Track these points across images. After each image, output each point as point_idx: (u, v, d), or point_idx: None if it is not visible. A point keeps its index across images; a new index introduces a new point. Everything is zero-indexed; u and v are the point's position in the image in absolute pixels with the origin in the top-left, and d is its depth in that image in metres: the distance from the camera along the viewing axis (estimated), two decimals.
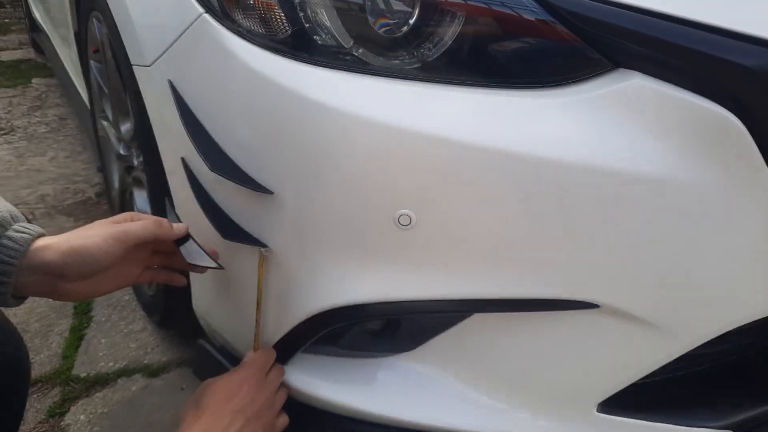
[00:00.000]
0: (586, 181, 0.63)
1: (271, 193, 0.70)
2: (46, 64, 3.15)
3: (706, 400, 0.79)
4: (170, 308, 1.06)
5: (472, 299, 0.70)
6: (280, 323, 0.77)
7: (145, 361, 1.16)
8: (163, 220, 0.75)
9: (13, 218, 0.67)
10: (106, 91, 1.28)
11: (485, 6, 0.65)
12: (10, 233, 0.65)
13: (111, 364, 1.16)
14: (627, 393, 0.75)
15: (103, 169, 1.48)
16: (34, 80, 2.97)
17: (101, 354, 1.19)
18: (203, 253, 0.77)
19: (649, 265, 0.66)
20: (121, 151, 1.25)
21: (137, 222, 0.72)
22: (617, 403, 0.75)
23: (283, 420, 0.77)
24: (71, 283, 0.67)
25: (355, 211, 0.68)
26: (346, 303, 0.72)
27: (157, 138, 0.86)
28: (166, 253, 0.79)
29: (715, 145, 0.62)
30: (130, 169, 1.23)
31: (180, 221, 0.83)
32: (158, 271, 0.80)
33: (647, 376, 0.75)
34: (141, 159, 1.08)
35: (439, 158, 0.64)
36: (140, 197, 1.16)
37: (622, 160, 0.62)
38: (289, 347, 0.79)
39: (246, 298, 0.79)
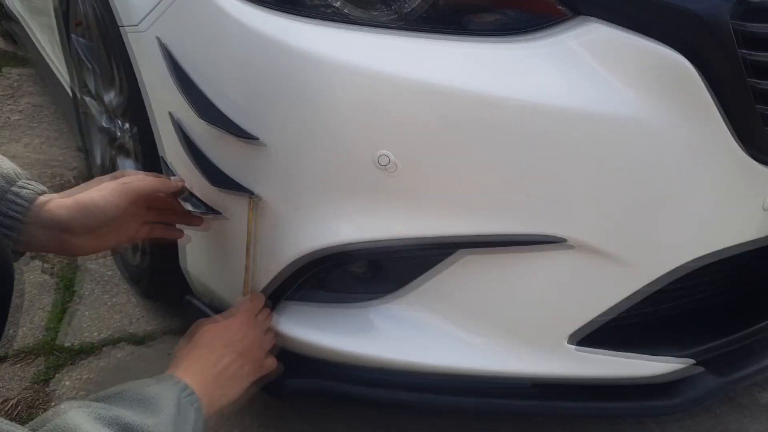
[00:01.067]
0: (550, 123, 0.72)
1: (257, 139, 0.78)
2: (17, 54, 3.20)
3: (671, 335, 0.89)
4: (156, 272, 1.13)
5: (449, 237, 0.79)
6: (268, 268, 0.85)
7: (131, 331, 1.23)
8: (162, 176, 0.83)
9: (17, 175, 0.74)
10: (89, 64, 1.34)
11: None
12: (15, 189, 0.72)
13: (96, 334, 1.23)
14: (597, 330, 0.84)
15: (84, 148, 1.55)
16: (4, 69, 3.02)
17: (85, 325, 1.25)
18: (201, 202, 0.85)
19: (612, 201, 0.76)
20: (104, 124, 1.32)
21: (141, 176, 0.81)
22: (588, 338, 0.84)
23: (271, 361, 0.85)
24: (77, 236, 0.75)
25: (337, 153, 0.76)
26: (330, 244, 0.80)
27: (145, 97, 0.93)
28: (161, 209, 0.87)
29: (671, 87, 0.72)
30: (113, 141, 1.30)
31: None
32: (155, 225, 0.88)
33: (617, 315, 0.84)
34: (127, 126, 1.15)
35: (415, 102, 0.73)
36: (125, 165, 1.23)
37: (585, 102, 0.72)
38: (277, 292, 0.87)
39: (235, 247, 0.87)
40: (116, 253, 1.39)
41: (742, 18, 0.72)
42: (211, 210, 0.86)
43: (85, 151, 1.54)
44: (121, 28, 0.94)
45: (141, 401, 0.62)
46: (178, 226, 0.92)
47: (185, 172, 0.89)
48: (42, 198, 0.73)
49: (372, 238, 0.80)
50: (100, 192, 0.76)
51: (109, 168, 1.35)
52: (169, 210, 0.88)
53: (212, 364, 0.75)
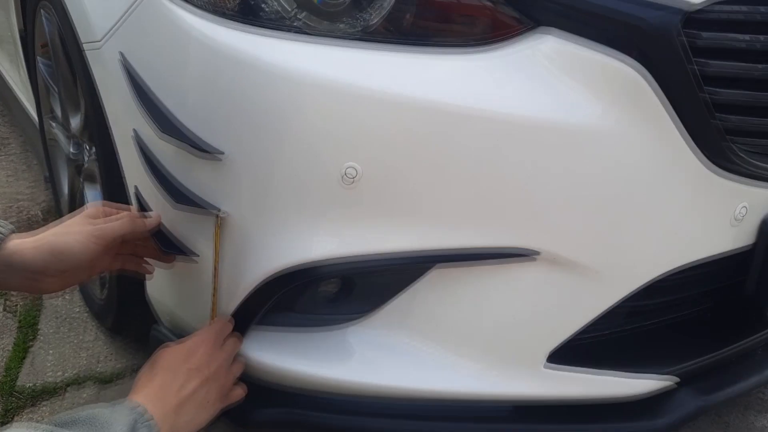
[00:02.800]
0: (514, 133, 0.78)
1: (222, 153, 0.82)
2: None
3: (652, 352, 0.94)
4: (122, 304, 1.16)
5: (421, 252, 0.83)
6: (236, 290, 0.89)
7: (98, 370, 1.26)
8: (137, 215, 0.89)
9: None
10: (55, 88, 1.40)
11: None
12: None
13: (60, 374, 1.25)
14: (576, 347, 0.88)
15: (51, 178, 1.60)
16: None
17: (49, 365, 1.28)
18: (177, 242, 0.89)
19: (581, 213, 0.81)
20: (72, 150, 1.38)
21: (113, 218, 0.86)
22: (566, 356, 0.88)
23: (240, 389, 0.87)
24: (48, 278, 0.80)
25: (303, 168, 0.81)
26: (300, 262, 0.84)
27: (107, 116, 0.98)
28: (133, 241, 0.91)
29: (629, 98, 0.79)
30: (80, 169, 1.35)
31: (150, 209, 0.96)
32: (127, 258, 0.93)
33: (596, 332, 0.88)
34: (93, 150, 1.20)
35: (381, 114, 0.78)
36: (91, 194, 1.27)
37: (548, 112, 0.78)
38: (246, 316, 0.90)
39: (201, 270, 0.90)
40: (83, 288, 1.42)
41: (691, 29, 0.79)
42: (183, 251, 0.90)
43: (52, 182, 1.59)
44: (82, 46, 1.00)
45: (92, 426, 0.64)
46: (149, 260, 0.96)
47: (146, 196, 0.93)
48: (11, 241, 0.79)
49: (343, 254, 0.83)
50: (74, 236, 0.82)
51: (78, 199, 1.39)
52: (141, 244, 0.93)
53: (176, 390, 0.77)
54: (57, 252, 0.80)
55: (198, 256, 0.89)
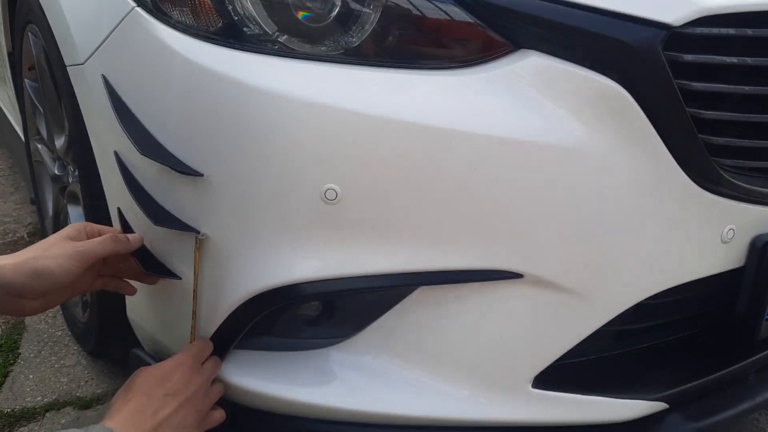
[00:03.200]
0: (496, 153, 0.79)
1: (201, 175, 0.84)
2: None
3: (641, 376, 0.94)
4: (103, 326, 1.17)
5: (402, 274, 0.84)
6: (216, 312, 0.89)
7: (78, 394, 1.26)
8: (119, 235, 0.90)
9: None
10: (41, 109, 1.42)
11: None
12: None
13: (39, 398, 1.26)
14: (563, 370, 0.89)
15: (37, 199, 1.61)
16: None
17: (28, 389, 1.28)
18: (159, 263, 0.90)
19: (565, 235, 0.82)
20: (56, 171, 1.39)
21: (96, 240, 0.87)
22: (553, 379, 0.88)
23: (219, 414, 0.88)
24: (29, 300, 0.81)
25: (282, 189, 0.82)
26: (281, 283, 0.85)
27: (90, 136, 1.00)
28: (115, 262, 0.92)
29: (612, 118, 0.80)
30: (64, 189, 1.36)
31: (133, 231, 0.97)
32: (108, 278, 0.94)
33: (584, 355, 0.88)
34: (76, 170, 1.21)
35: (361, 135, 0.79)
36: (74, 213, 1.29)
37: (532, 132, 0.79)
38: (226, 338, 0.90)
39: (181, 292, 0.91)
40: (66, 310, 1.43)
41: (674, 48, 0.80)
42: (164, 272, 0.91)
43: (38, 203, 1.60)
44: (67, 68, 1.02)
45: None
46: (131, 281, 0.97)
47: (134, 218, 0.94)
48: None
49: (324, 275, 0.84)
50: (56, 259, 0.82)
51: (62, 220, 1.40)
52: (123, 264, 0.94)
53: (150, 415, 0.78)
54: (37, 274, 0.80)
55: (180, 278, 0.90)
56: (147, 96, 0.88)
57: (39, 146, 1.51)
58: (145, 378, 0.81)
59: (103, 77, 0.92)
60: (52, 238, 0.86)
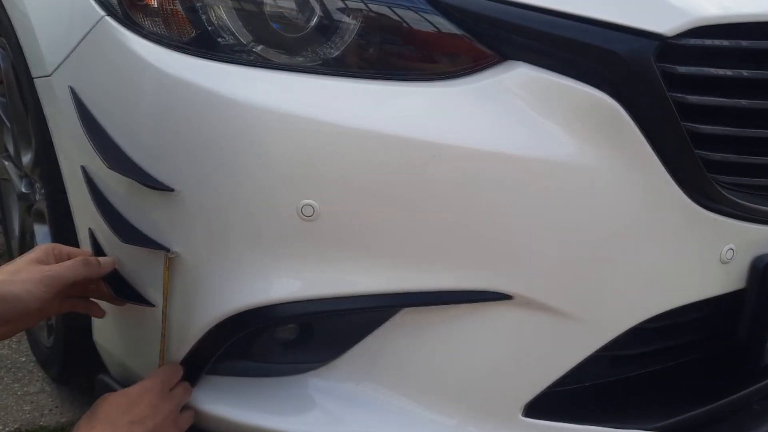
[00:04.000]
0: (483, 167, 0.78)
1: (172, 190, 0.83)
2: None
3: (637, 404, 0.92)
4: (70, 352, 1.15)
5: (382, 294, 0.83)
6: (187, 335, 0.88)
7: (41, 423, 1.24)
8: (90, 259, 0.89)
9: None
10: (8, 124, 1.41)
11: (381, 5, 0.81)
12: None
13: (0, 428, 1.22)
14: (556, 398, 0.87)
15: (3, 219, 1.59)
16: None
17: None
18: (131, 287, 0.89)
19: (556, 254, 0.81)
20: (23, 189, 1.37)
21: (66, 264, 0.85)
22: (545, 408, 0.87)
23: None
24: None
25: (257, 204, 0.81)
26: (254, 304, 0.84)
27: (57, 151, 0.99)
28: (84, 283, 0.90)
29: (599, 127, 0.79)
30: (30, 208, 1.35)
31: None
32: (77, 300, 0.92)
33: (578, 382, 0.87)
34: (43, 188, 1.20)
35: (340, 148, 0.79)
36: (41, 233, 1.27)
37: (520, 146, 0.78)
38: (197, 363, 0.89)
39: (150, 314, 0.90)
40: (30, 335, 1.41)
41: (668, 60, 0.80)
42: (136, 297, 0.89)
43: (4, 223, 1.58)
44: (35, 80, 1.01)
45: None
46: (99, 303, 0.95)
47: (106, 240, 0.93)
48: None
49: (301, 296, 0.83)
50: (24, 284, 0.80)
51: (29, 241, 1.38)
52: (92, 286, 0.92)
53: None
54: (3, 300, 0.79)
55: (153, 305, 0.88)
56: (116, 108, 0.87)
57: (6, 163, 1.50)
58: (110, 405, 0.80)
59: (71, 89, 0.91)
60: (19, 262, 0.85)
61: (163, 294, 0.87)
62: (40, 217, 1.28)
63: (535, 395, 0.85)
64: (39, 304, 0.81)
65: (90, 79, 0.90)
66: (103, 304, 0.95)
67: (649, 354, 0.96)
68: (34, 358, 1.40)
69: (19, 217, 1.45)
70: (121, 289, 0.90)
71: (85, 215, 0.96)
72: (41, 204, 1.24)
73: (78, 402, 1.29)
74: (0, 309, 0.78)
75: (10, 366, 1.39)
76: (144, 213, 0.87)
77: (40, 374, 1.36)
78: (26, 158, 1.29)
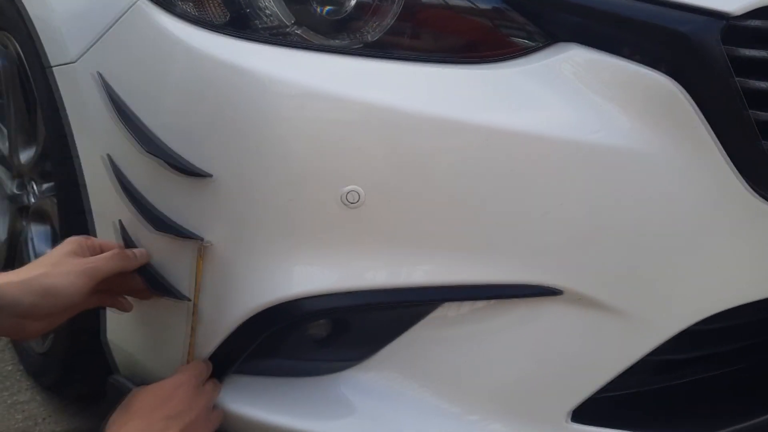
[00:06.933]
0: (536, 153, 0.74)
1: (209, 176, 0.77)
2: None
3: (697, 410, 0.87)
4: (73, 354, 1.05)
5: (427, 287, 0.77)
6: (216, 330, 0.81)
7: None
8: (126, 251, 0.83)
9: None
10: (1, 125, 1.32)
11: None
12: None
13: None
14: (604, 404, 0.81)
15: None
16: None
17: None
18: (165, 280, 0.82)
19: (611, 245, 0.75)
20: (15, 190, 1.28)
21: (105, 257, 0.80)
22: (593, 414, 0.81)
23: None
24: (35, 321, 0.73)
25: (297, 190, 0.75)
26: (291, 296, 0.77)
27: (77, 142, 0.91)
28: (112, 277, 0.82)
29: (657, 112, 0.74)
30: (23, 210, 1.25)
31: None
32: (104, 295, 0.84)
33: (626, 388, 0.81)
34: (43, 187, 1.11)
35: (385, 131, 0.74)
36: (40, 232, 1.18)
37: (570, 131, 0.74)
38: (225, 360, 0.82)
39: (177, 309, 0.83)
40: (16, 342, 1.30)
41: (735, 42, 0.74)
42: (172, 291, 0.82)
43: None
44: (48, 69, 0.94)
45: None
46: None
47: (137, 232, 0.85)
48: None
49: (340, 288, 0.77)
50: (69, 278, 0.75)
51: (22, 241, 1.28)
52: (119, 280, 0.84)
53: None
54: (47, 293, 0.73)
55: (189, 299, 0.81)
56: (150, 93, 0.81)
57: None
58: (145, 398, 0.73)
59: (99, 75, 0.85)
60: (56, 254, 0.78)
61: (195, 285, 0.80)
62: (38, 217, 1.19)
63: (582, 400, 0.79)
64: (81, 298, 0.75)
65: (121, 64, 0.83)
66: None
67: (701, 359, 0.90)
68: (20, 367, 1.29)
69: (8, 220, 1.34)
70: (154, 282, 0.83)
71: (109, 208, 0.88)
72: (42, 203, 1.15)
73: (71, 412, 1.19)
74: (43, 302, 0.72)
75: None
76: (175, 201, 0.81)
77: (27, 383, 1.26)
78: (25, 156, 1.20)
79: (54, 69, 0.93)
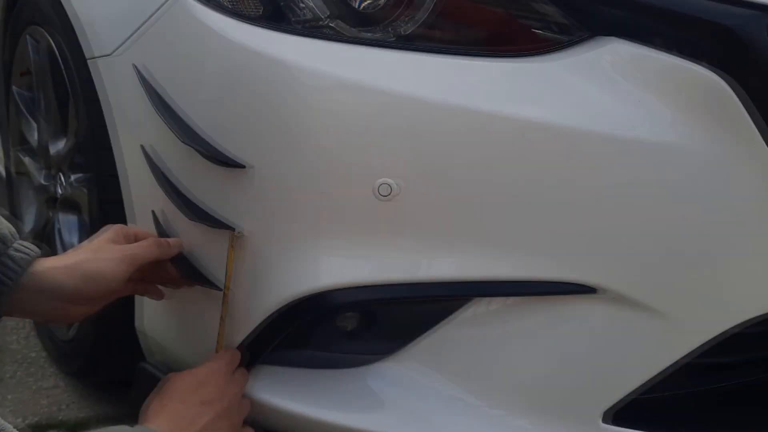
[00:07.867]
0: (576, 147, 0.73)
1: (243, 166, 0.77)
2: None
3: (724, 418, 0.85)
4: (102, 342, 1.06)
5: (459, 282, 0.77)
6: (247, 320, 0.81)
7: (60, 418, 1.15)
8: (161, 239, 0.84)
9: (12, 235, 0.74)
10: (29, 118, 1.32)
11: None
12: (11, 252, 0.72)
13: (20, 420, 1.14)
14: (639, 406, 0.79)
15: (12, 214, 1.49)
16: None
17: (8, 410, 1.17)
18: (198, 270, 0.83)
19: (651, 242, 0.74)
20: (43, 181, 1.28)
21: (142, 244, 0.81)
22: (627, 415, 0.79)
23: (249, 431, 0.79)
24: (78, 305, 0.75)
25: (331, 182, 0.76)
26: (323, 288, 0.78)
27: (113, 133, 0.92)
28: (146, 265, 0.83)
29: (702, 108, 0.72)
30: (52, 200, 1.26)
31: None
32: (137, 283, 0.85)
33: (662, 390, 0.79)
34: (77, 177, 1.12)
35: (419, 124, 0.74)
36: (68, 222, 1.19)
37: (611, 126, 0.72)
38: (255, 349, 0.82)
39: (209, 298, 0.83)
40: (41, 329, 1.31)
41: None
42: (207, 279, 0.82)
43: (14, 218, 1.48)
44: (90, 61, 0.94)
45: None
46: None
47: (172, 221, 0.85)
48: (39, 263, 0.74)
49: (372, 281, 0.77)
50: (108, 263, 0.76)
51: (49, 231, 1.29)
52: (152, 267, 0.85)
53: (188, 423, 0.70)
54: (89, 278, 0.74)
55: (221, 289, 0.81)
56: (187, 84, 0.82)
57: (23, 158, 1.40)
58: (180, 384, 0.73)
59: (135, 67, 0.85)
60: (96, 241, 0.80)
61: (227, 275, 0.80)
62: (67, 208, 1.20)
63: (616, 401, 0.77)
64: (120, 284, 0.76)
65: (158, 56, 0.85)
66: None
67: (735, 364, 0.86)
68: (44, 354, 1.30)
69: (36, 210, 1.35)
70: (188, 270, 0.83)
71: (144, 198, 0.89)
72: (72, 193, 1.15)
73: (94, 398, 1.20)
74: (86, 286, 0.73)
75: (21, 361, 1.29)
76: (210, 191, 0.81)
77: (51, 370, 1.26)
78: (55, 148, 1.21)
79: (94, 61, 0.94)
